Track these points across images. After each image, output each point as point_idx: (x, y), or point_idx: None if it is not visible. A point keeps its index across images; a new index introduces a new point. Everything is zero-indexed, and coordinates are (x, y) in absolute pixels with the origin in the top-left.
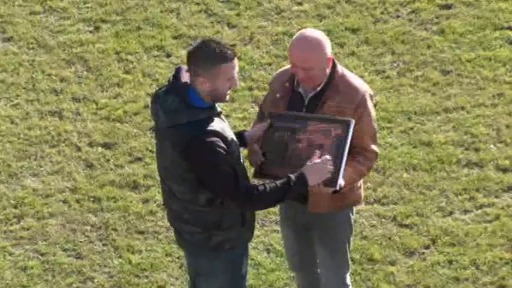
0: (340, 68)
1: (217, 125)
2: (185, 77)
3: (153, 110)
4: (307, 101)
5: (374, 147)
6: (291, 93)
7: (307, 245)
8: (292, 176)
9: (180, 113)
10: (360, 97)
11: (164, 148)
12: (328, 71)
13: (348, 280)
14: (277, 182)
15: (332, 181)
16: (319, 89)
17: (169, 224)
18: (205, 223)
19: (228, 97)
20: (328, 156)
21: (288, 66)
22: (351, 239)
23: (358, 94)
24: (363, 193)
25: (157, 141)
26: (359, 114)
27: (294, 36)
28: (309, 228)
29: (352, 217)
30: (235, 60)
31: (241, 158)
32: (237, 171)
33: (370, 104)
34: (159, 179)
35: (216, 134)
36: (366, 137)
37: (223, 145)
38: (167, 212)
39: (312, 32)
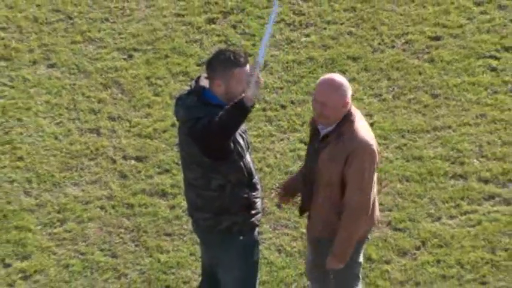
0: (355, 118)
1: None
2: (204, 83)
3: (175, 109)
4: (320, 137)
5: (355, 197)
6: (315, 131)
7: (319, 255)
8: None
9: (197, 109)
10: (353, 148)
11: (182, 139)
12: (341, 115)
13: None
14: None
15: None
16: (329, 129)
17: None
18: (215, 208)
19: None
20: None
21: None
22: (347, 274)
23: (352, 145)
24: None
25: (179, 136)
26: (348, 163)
27: (323, 76)
28: (319, 240)
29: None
30: (248, 66)
31: (248, 149)
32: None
33: (363, 157)
34: (183, 183)
35: None
36: (349, 186)
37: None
38: (187, 204)
39: (339, 76)
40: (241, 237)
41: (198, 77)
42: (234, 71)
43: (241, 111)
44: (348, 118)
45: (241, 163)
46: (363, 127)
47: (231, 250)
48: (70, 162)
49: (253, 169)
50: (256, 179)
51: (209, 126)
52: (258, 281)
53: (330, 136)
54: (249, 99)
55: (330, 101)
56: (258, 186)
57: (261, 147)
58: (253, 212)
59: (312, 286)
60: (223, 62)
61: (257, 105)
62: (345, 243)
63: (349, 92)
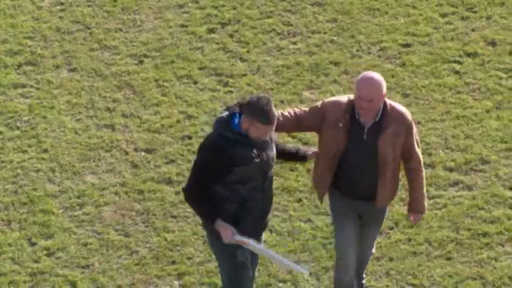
0: (388, 102)
1: (236, 147)
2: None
3: None
4: (366, 129)
5: (419, 153)
6: (351, 124)
7: (374, 220)
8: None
9: (222, 123)
10: (409, 120)
11: None
12: (381, 105)
13: None
14: (210, 209)
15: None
16: (377, 119)
17: None
18: None
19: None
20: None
21: (340, 97)
22: None
23: (407, 117)
24: None
25: None
26: (409, 132)
27: (362, 75)
28: (379, 209)
29: None
30: (271, 126)
31: (262, 174)
32: (208, 179)
33: (413, 124)
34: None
35: (224, 150)
36: (415, 148)
37: (220, 160)
38: None
39: (376, 74)
40: (221, 240)
41: (244, 98)
42: (256, 123)
43: (206, 219)
44: (385, 104)
45: (237, 187)
46: (396, 103)
47: (216, 250)
48: (88, 153)
49: (253, 195)
50: (255, 201)
51: (193, 171)
52: (250, 280)
53: (383, 123)
54: (217, 228)
55: (376, 96)
56: (253, 211)
57: None
58: (242, 229)
59: (350, 260)
60: (253, 109)
61: None
62: (425, 195)
63: (385, 85)
